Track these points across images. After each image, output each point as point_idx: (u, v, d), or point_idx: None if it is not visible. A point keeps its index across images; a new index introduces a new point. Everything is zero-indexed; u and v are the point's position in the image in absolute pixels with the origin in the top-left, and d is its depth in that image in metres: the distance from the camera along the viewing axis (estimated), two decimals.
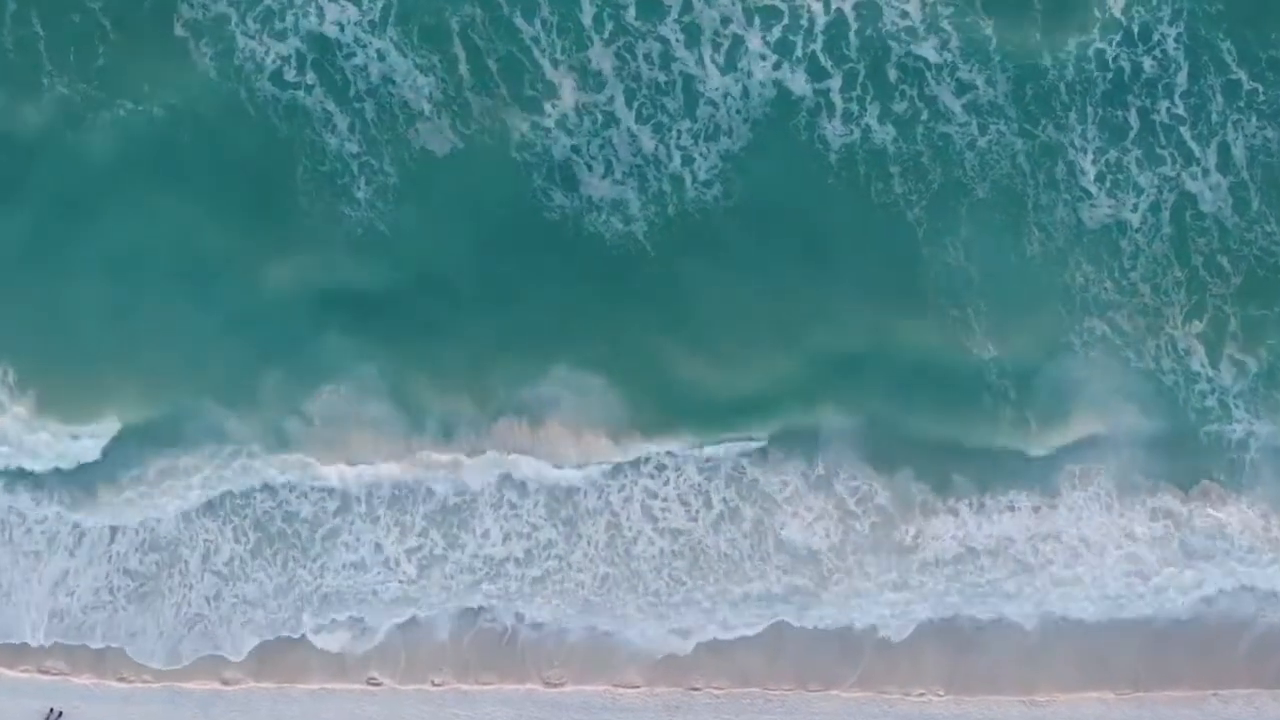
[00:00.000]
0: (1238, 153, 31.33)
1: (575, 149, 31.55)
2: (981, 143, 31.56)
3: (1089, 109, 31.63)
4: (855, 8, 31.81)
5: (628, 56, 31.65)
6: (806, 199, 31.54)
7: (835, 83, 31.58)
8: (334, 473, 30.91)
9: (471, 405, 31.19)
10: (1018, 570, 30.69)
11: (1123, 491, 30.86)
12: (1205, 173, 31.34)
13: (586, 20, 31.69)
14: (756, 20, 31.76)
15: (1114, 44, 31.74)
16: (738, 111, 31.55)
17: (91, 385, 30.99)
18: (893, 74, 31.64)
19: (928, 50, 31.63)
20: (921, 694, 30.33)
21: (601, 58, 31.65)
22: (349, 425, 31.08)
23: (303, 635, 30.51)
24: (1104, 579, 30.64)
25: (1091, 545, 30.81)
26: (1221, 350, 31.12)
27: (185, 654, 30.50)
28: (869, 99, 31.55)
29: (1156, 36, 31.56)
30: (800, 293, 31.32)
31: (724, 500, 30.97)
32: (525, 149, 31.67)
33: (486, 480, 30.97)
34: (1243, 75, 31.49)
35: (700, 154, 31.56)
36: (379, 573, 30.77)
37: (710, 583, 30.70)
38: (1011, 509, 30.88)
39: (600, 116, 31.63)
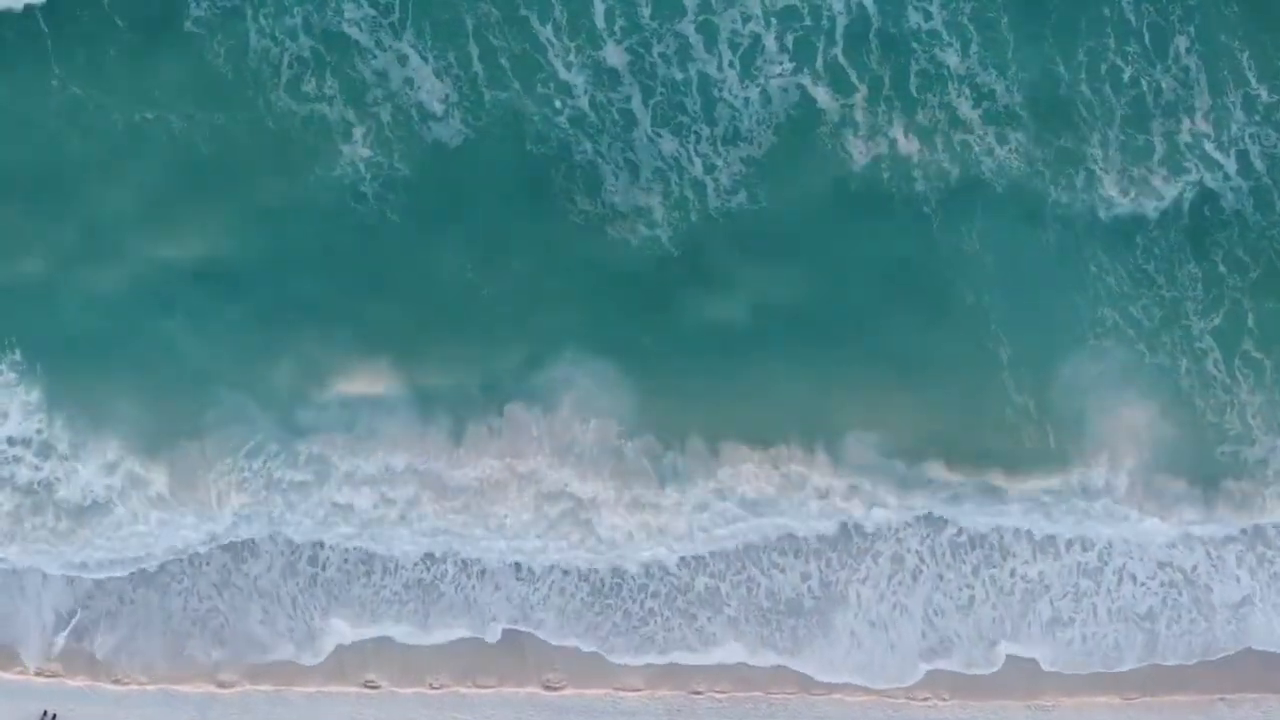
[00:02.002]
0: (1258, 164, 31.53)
1: (598, 153, 31.33)
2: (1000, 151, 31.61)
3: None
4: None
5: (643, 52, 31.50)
6: (828, 202, 31.38)
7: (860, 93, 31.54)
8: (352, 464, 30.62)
9: (481, 396, 30.86)
10: (1041, 552, 30.70)
11: (1144, 490, 30.80)
12: (1226, 177, 31.44)
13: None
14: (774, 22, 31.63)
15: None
16: (759, 120, 31.39)
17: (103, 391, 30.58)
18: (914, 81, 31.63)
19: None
20: (927, 698, 30.34)
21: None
22: (362, 416, 30.72)
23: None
24: (1133, 569, 30.72)
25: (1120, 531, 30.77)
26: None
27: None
28: (895, 110, 31.47)
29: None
30: (824, 298, 31.24)
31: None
32: (540, 143, 31.40)
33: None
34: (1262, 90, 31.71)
35: (723, 160, 31.35)
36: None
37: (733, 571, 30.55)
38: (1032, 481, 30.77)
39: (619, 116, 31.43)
